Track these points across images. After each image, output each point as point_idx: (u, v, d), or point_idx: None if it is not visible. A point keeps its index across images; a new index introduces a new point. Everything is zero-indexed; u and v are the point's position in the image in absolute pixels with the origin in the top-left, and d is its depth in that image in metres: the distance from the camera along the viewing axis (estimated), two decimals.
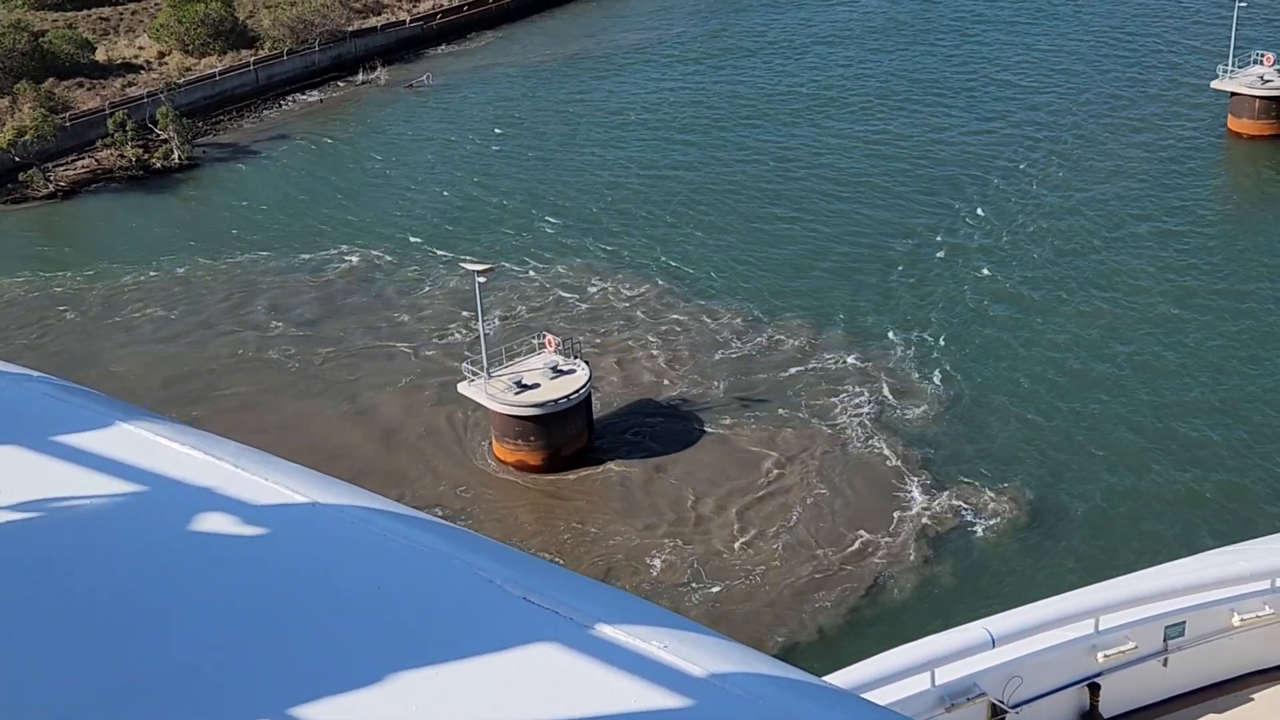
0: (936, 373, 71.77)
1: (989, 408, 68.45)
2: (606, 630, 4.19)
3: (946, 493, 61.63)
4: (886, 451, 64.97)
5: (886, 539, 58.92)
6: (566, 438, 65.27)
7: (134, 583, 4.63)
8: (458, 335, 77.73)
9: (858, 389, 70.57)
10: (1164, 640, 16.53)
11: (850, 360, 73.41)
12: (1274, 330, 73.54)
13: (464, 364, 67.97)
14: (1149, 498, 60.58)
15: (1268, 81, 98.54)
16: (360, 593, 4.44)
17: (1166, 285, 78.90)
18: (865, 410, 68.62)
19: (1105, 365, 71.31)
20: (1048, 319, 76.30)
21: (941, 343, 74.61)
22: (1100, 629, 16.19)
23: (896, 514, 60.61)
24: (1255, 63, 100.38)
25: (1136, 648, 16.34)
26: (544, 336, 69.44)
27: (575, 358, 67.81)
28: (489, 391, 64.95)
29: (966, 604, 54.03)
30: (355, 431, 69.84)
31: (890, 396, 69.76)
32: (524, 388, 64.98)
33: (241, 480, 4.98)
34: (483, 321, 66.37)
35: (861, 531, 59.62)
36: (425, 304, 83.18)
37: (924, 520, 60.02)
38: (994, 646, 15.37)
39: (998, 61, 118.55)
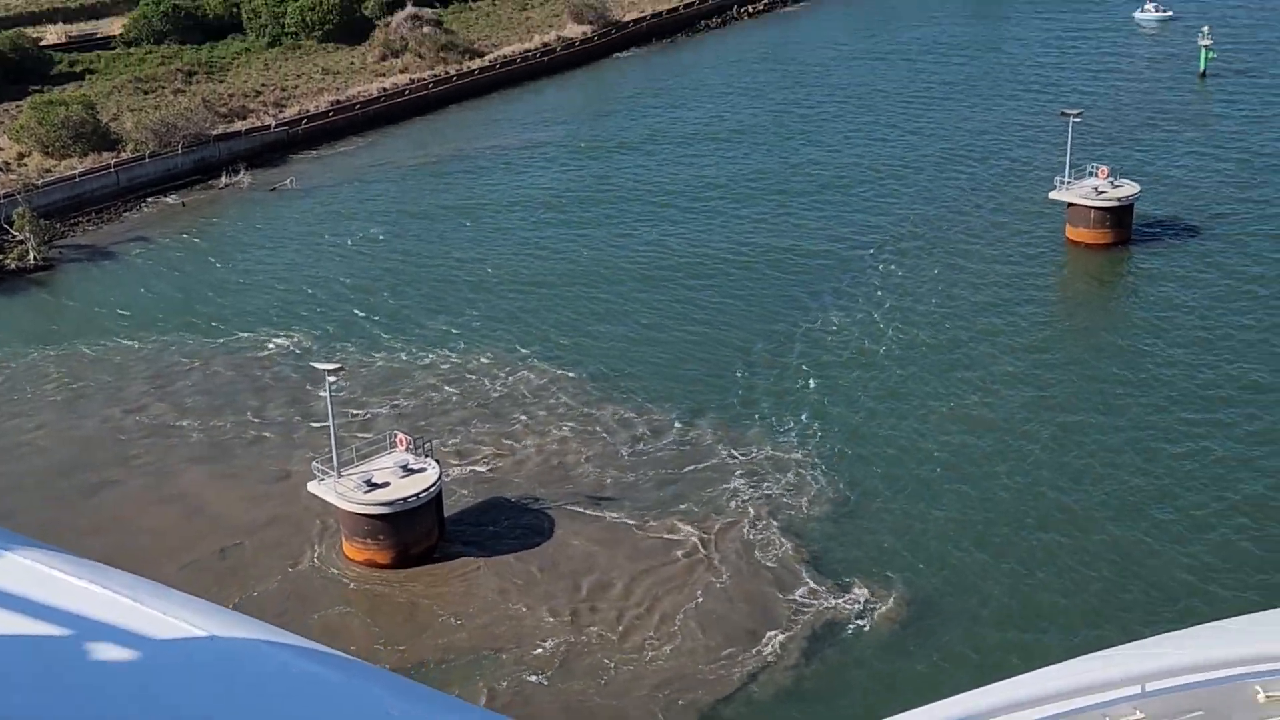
0: (812, 467, 73.19)
1: (866, 503, 69.59)
2: None
3: (822, 589, 61.83)
4: (763, 548, 65.36)
5: (762, 636, 58.58)
6: (416, 536, 65.29)
7: None
8: (308, 432, 77.54)
9: (732, 483, 71.45)
10: None
11: (723, 453, 74.60)
12: (1129, 432, 76.45)
13: (314, 463, 67.78)
14: (1025, 599, 61.38)
15: (1102, 193, 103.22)
16: None
17: (1018, 388, 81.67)
18: (740, 504, 69.32)
19: (974, 465, 73.24)
20: (918, 416, 78.34)
21: (814, 437, 76.17)
22: None
23: (772, 610, 60.56)
24: (1090, 175, 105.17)
25: None
26: (395, 435, 69.62)
27: (426, 456, 68.04)
28: (338, 490, 64.83)
29: (840, 705, 54.72)
30: (200, 530, 69.01)
31: (766, 491, 70.60)
32: (374, 486, 64.99)
33: (140, 615, 5.02)
34: (333, 421, 66.38)
35: (736, 629, 59.17)
36: (281, 400, 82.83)
37: (799, 617, 59.99)
38: None
39: (847, 172, 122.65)
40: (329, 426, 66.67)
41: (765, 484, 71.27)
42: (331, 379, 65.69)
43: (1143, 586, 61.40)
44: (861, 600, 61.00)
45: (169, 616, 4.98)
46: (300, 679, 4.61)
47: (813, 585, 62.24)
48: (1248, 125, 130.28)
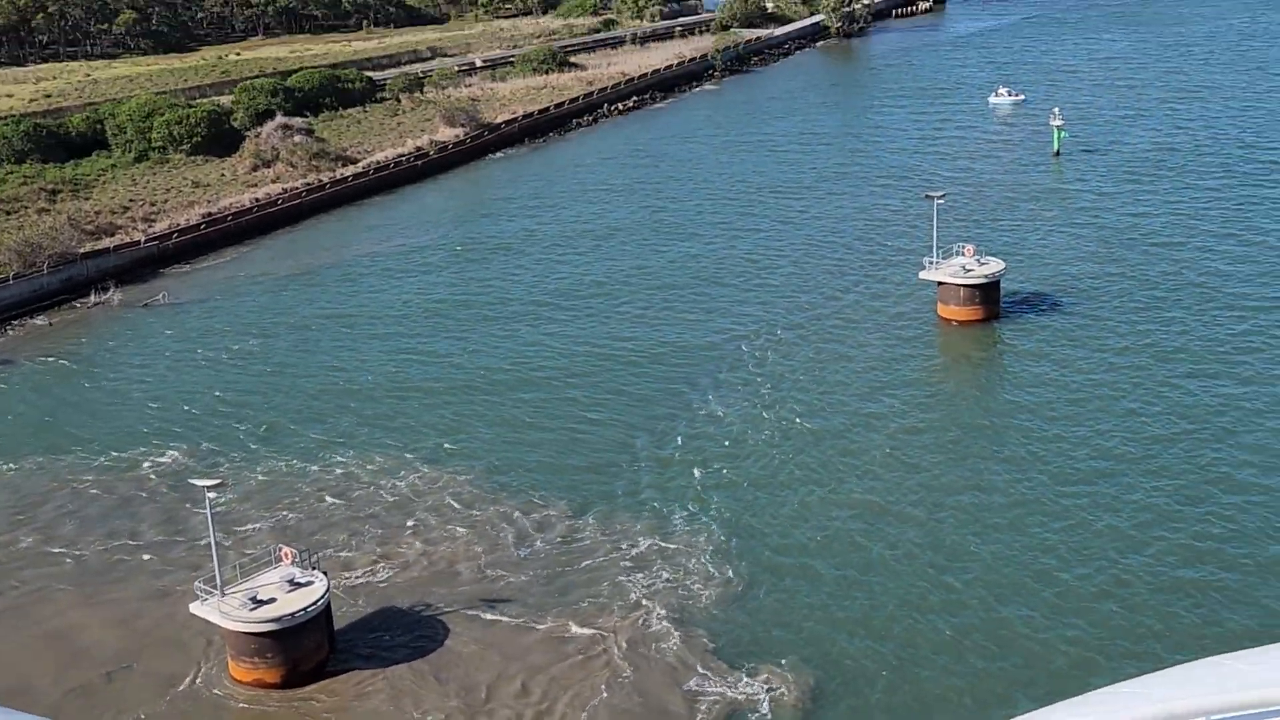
0: (699, 558, 73.12)
1: (754, 592, 69.67)
2: None
3: (718, 680, 61.57)
4: (657, 641, 65.04)
5: None
6: (305, 651, 63.93)
7: None
8: (189, 550, 75.80)
9: (622, 577, 71.21)
10: None
11: (611, 547, 74.39)
12: (1005, 511, 77.85)
13: (196, 583, 66.20)
14: (912, 681, 61.65)
15: (969, 270, 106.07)
16: None
17: (896, 471, 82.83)
18: (632, 598, 69.04)
19: (855, 549, 73.77)
20: (799, 502, 78.84)
21: (699, 527, 76.26)
22: None
23: (670, 704, 60.13)
24: (958, 254, 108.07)
25: None
26: (279, 549, 68.36)
27: (312, 568, 66.86)
28: (222, 610, 63.34)
29: None
30: (78, 657, 66.82)
31: (656, 584, 70.42)
32: (259, 603, 63.62)
33: None
34: (214, 537, 65.01)
35: None
36: (157, 519, 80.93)
37: (698, 709, 59.54)
38: None
39: (722, 264, 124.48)
40: (210, 544, 65.27)
41: (654, 576, 71.20)
42: (211, 495, 64.46)
43: (1023, 664, 62.20)
44: (758, 690, 60.99)
45: None
46: None
47: (709, 676, 62.12)
48: (1101, 200, 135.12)
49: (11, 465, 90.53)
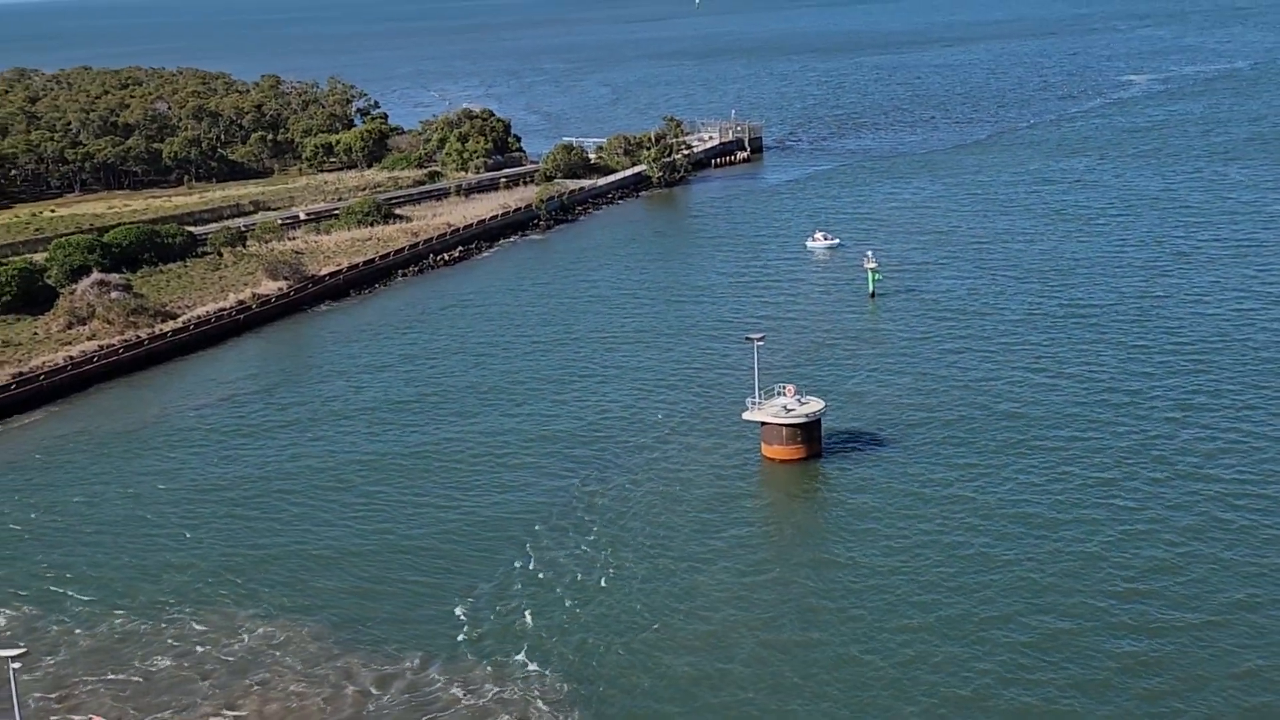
0: (539, 704, 73.22)
1: None
2: None
3: None
4: None
5: None
6: None
7: None
8: None
9: None
10: None
11: (452, 697, 74.29)
12: (830, 648, 78.80)
13: None
14: None
15: (790, 410, 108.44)
16: None
17: (723, 609, 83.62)
18: None
19: (683, 693, 74.15)
20: (625, 647, 79.28)
21: (538, 674, 76.61)
22: None
23: None
24: (779, 394, 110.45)
25: None
26: (92, 719, 65.50)
27: None
28: None
29: None
30: None
31: None
32: None
33: None
34: (18, 710, 62.04)
35: None
36: None
37: None
38: None
39: (548, 412, 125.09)
40: (15, 716, 62.26)
41: None
42: (15, 664, 61.65)
43: None
44: None
45: None
46: None
47: None
48: (916, 338, 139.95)
49: None
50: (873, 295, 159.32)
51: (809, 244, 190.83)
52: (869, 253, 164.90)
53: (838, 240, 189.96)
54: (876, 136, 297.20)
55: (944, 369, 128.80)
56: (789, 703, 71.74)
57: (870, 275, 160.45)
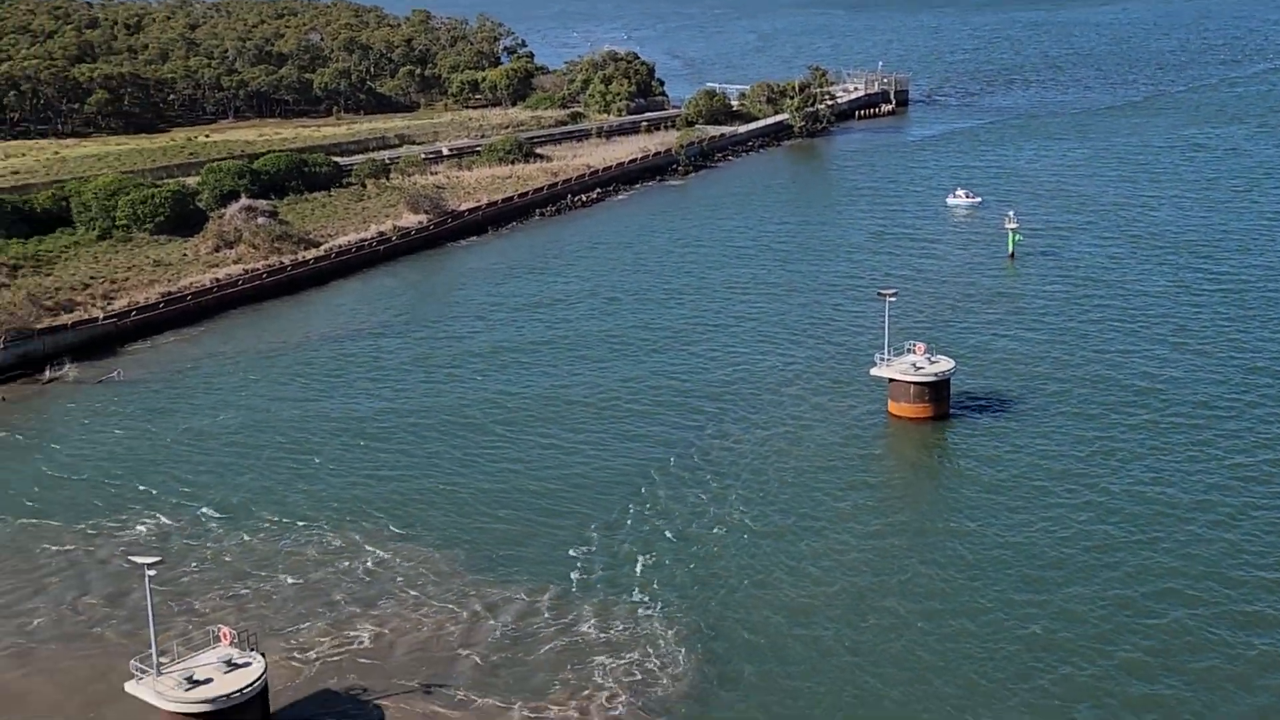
0: (673, 643, 74.49)
1: (733, 677, 70.71)
2: None
3: None
4: None
5: None
6: None
7: None
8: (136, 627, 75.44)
9: (594, 659, 72.47)
10: None
11: (582, 630, 75.97)
12: (963, 619, 78.47)
13: (132, 662, 65.76)
14: None
15: (919, 368, 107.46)
16: None
17: (848, 575, 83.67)
18: (606, 682, 70.38)
19: (826, 637, 74.77)
20: (770, 593, 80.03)
21: (671, 614, 77.71)
22: None
23: None
24: (909, 351, 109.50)
25: None
26: (219, 629, 68.11)
27: (251, 649, 66.60)
28: (157, 689, 62.93)
29: None
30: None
31: (629, 669, 71.60)
32: (195, 683, 63.27)
33: None
34: (152, 616, 64.75)
35: None
36: (103, 592, 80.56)
37: None
38: None
39: (677, 359, 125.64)
40: (149, 622, 65.00)
41: (627, 661, 72.46)
42: (151, 572, 64.30)
43: None
44: None
45: None
46: None
47: None
48: (1053, 303, 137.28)
49: None
50: (1012, 257, 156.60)
51: (950, 201, 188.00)
52: (1010, 213, 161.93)
53: (979, 199, 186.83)
54: (1027, 94, 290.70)
55: (1080, 338, 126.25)
56: (884, 668, 71.50)
57: (1010, 236, 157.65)
